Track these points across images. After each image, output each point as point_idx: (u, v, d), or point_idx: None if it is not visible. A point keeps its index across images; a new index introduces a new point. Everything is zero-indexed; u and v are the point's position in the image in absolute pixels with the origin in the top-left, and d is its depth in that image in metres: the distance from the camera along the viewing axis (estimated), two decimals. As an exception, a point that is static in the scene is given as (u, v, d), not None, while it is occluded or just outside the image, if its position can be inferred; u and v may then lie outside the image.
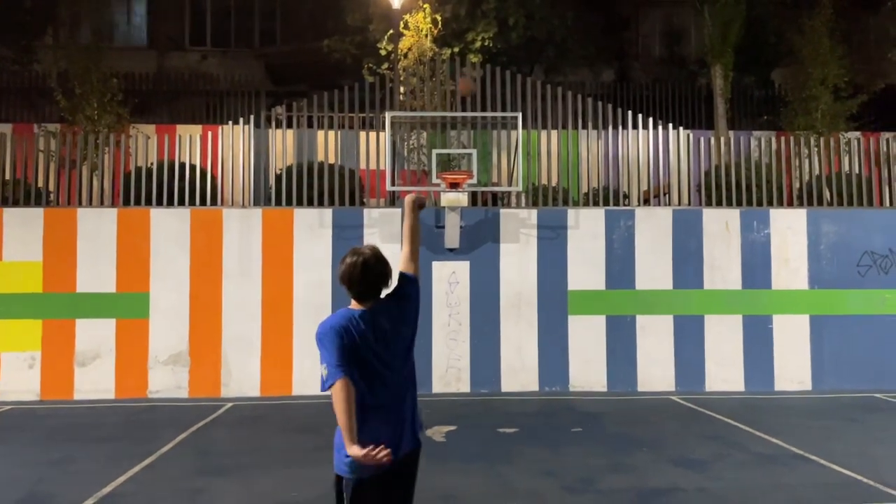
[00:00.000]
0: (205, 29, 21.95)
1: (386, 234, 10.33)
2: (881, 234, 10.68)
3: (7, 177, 10.55)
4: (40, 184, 10.73)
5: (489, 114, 10.24)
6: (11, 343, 9.87)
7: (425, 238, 10.33)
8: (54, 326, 9.97)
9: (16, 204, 10.28)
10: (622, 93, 18.51)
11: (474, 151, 9.75)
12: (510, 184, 10.23)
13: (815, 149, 11.63)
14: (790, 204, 11.18)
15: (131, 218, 10.22)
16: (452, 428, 7.88)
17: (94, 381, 9.92)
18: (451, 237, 10.12)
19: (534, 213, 10.53)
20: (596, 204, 10.85)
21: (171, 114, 18.61)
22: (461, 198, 9.49)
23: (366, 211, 10.44)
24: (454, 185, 9.42)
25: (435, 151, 9.85)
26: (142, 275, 10.09)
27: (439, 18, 13.37)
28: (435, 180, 9.62)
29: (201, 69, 20.62)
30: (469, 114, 10.34)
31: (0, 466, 6.40)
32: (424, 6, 13.34)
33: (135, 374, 9.98)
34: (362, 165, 11.09)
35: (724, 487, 5.72)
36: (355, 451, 2.83)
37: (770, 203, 10.92)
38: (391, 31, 13.29)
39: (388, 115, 9.71)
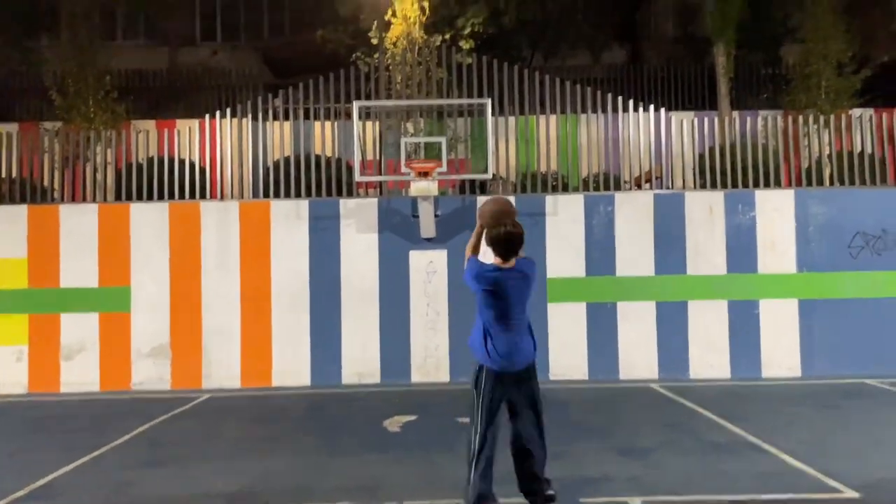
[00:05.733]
0: (215, 24, 22.19)
1: (361, 225, 10.32)
2: (873, 214, 10.27)
3: (13, 174, 10.81)
4: (45, 182, 10.98)
5: (455, 101, 10.15)
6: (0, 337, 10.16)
7: (401, 228, 10.32)
8: (40, 321, 10.20)
9: (0, 201, 10.54)
10: (634, 74, 18.16)
11: (444, 139, 9.66)
12: (485, 171, 10.09)
13: (825, 127, 11.22)
14: (798, 184, 10.80)
15: (112, 213, 10.38)
16: (412, 418, 7.85)
17: (80, 374, 10.14)
18: (427, 226, 10.05)
19: (511, 199, 10.38)
20: (597, 189, 10.65)
21: (184, 109, 18.85)
22: (431, 187, 9.41)
23: (342, 202, 10.43)
24: (423, 174, 9.35)
25: (404, 140, 9.78)
26: (123, 269, 10.25)
27: (427, 6, 13.25)
28: (404, 169, 9.55)
29: (211, 64, 20.87)
30: (435, 101, 10.26)
31: (-43, 458, 6.58)
32: (412, -7, 13.23)
33: (119, 367, 10.16)
34: (351, 156, 11.07)
35: (658, 476, 5.58)
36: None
37: (765, 184, 10.57)
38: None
39: (355, 105, 9.68)
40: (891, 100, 14.01)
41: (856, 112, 12.87)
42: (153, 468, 6.07)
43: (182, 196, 10.60)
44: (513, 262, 4.54)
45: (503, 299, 4.48)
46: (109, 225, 10.32)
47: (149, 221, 10.34)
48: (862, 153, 11.01)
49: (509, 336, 4.49)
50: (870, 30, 14.07)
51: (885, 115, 11.69)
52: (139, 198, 10.64)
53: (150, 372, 10.17)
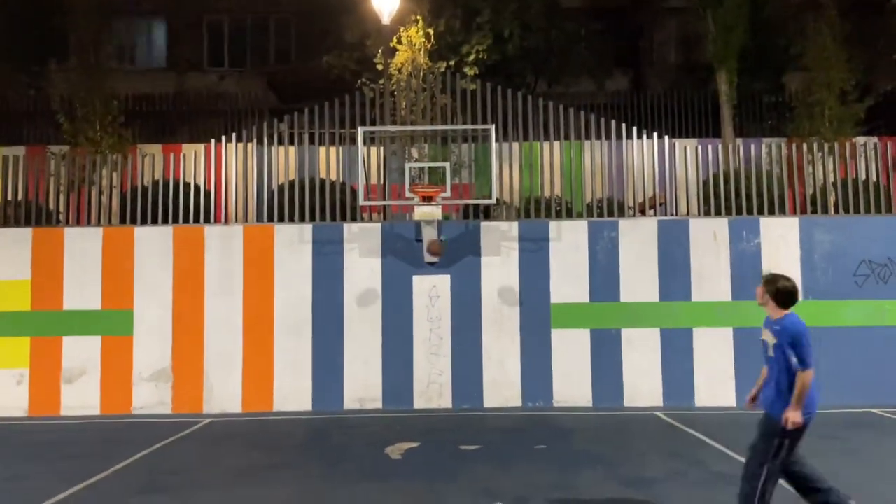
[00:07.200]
0: (222, 50, 22.40)
1: (365, 249, 10.31)
2: (879, 243, 10.25)
3: (19, 197, 10.86)
4: (50, 205, 11.03)
5: (459, 127, 10.20)
6: (0, 360, 10.11)
7: (404, 252, 10.31)
8: (42, 344, 10.16)
9: (5, 224, 10.57)
10: (637, 101, 18.26)
11: (448, 164, 9.69)
12: (490, 196, 10.10)
13: (829, 155, 11.24)
14: (802, 212, 10.77)
15: (116, 236, 10.39)
16: (415, 445, 7.77)
17: (81, 397, 10.08)
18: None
19: (515, 225, 10.39)
20: (601, 215, 10.65)
21: (190, 133, 18.99)
22: (435, 211, 9.42)
23: (345, 226, 10.43)
24: (427, 199, 9.36)
25: (408, 165, 9.82)
26: (126, 292, 10.25)
27: (432, 32, 13.38)
28: (408, 194, 9.57)
29: (218, 89, 21.07)
30: (439, 127, 10.30)
31: (-45, 483, 6.52)
32: (418, 19, 13.37)
33: (119, 391, 10.11)
34: (355, 180, 11.11)
35: (664, 509, 5.50)
36: (798, 417, 4.53)
37: (769, 211, 10.56)
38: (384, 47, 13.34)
39: (360, 130, 9.72)
40: (895, 128, 14.07)
41: (860, 140, 12.93)
42: (154, 494, 6.00)
43: (186, 220, 10.62)
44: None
45: None
46: (113, 248, 10.33)
47: (153, 245, 10.34)
48: (867, 181, 11.01)
49: None
50: (873, 59, 14.14)
51: (889, 144, 11.71)
52: (143, 221, 10.67)
53: (151, 396, 10.11)
